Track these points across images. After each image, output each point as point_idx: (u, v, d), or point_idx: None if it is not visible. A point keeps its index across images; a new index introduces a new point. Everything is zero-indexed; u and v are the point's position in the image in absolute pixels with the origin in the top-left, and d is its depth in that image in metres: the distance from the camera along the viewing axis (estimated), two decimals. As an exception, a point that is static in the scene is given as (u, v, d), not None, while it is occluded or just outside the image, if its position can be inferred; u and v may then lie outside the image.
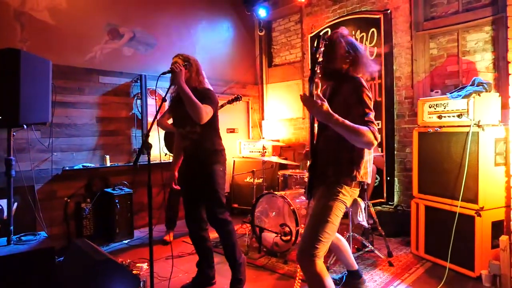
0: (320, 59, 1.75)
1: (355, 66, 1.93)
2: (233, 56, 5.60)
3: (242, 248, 3.36)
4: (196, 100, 2.34)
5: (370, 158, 2.00)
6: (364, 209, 2.31)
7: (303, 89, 5.29)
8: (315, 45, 1.77)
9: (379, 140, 1.77)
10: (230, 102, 3.76)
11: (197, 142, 2.54)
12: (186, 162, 2.67)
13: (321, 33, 1.87)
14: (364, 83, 1.86)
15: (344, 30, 1.98)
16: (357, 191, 1.99)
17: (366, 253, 3.24)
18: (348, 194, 1.93)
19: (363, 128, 1.71)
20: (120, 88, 4.18)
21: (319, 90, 1.97)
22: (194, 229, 2.71)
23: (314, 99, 1.73)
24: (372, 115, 1.78)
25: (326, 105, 1.71)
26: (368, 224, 3.10)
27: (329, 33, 2.01)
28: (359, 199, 2.12)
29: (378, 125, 4.10)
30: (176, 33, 4.77)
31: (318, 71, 1.76)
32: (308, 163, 2.02)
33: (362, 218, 2.27)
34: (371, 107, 1.82)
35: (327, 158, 1.94)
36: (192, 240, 2.76)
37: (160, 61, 3.65)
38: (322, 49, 1.75)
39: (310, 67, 1.78)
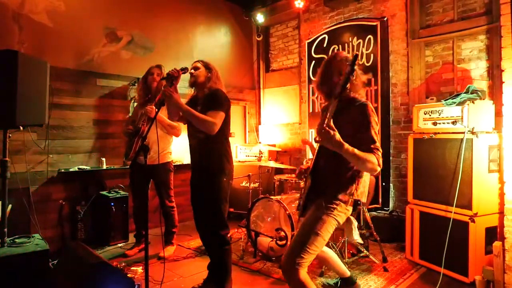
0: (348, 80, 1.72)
1: (354, 88, 1.97)
2: (231, 61, 5.62)
3: (237, 252, 3.37)
4: (199, 114, 2.32)
5: (366, 179, 2.03)
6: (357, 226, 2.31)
7: (300, 94, 5.32)
8: (350, 65, 1.71)
9: (381, 166, 1.82)
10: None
11: (204, 142, 2.44)
12: (192, 168, 2.61)
13: (355, 54, 1.83)
14: (372, 108, 1.90)
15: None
16: (350, 210, 2.02)
17: (361, 258, 3.25)
18: (343, 212, 1.95)
19: (370, 156, 1.76)
20: (117, 91, 4.18)
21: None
22: (204, 233, 2.64)
23: (326, 127, 1.70)
24: (378, 142, 1.83)
25: (338, 135, 1.71)
26: (362, 241, 3.10)
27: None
28: (352, 218, 2.14)
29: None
30: (174, 37, 4.79)
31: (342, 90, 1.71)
32: (302, 183, 2.03)
33: (357, 237, 2.27)
34: (377, 132, 1.87)
35: (327, 175, 1.97)
36: (203, 242, 2.73)
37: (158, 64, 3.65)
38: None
39: (341, 85, 1.71)
